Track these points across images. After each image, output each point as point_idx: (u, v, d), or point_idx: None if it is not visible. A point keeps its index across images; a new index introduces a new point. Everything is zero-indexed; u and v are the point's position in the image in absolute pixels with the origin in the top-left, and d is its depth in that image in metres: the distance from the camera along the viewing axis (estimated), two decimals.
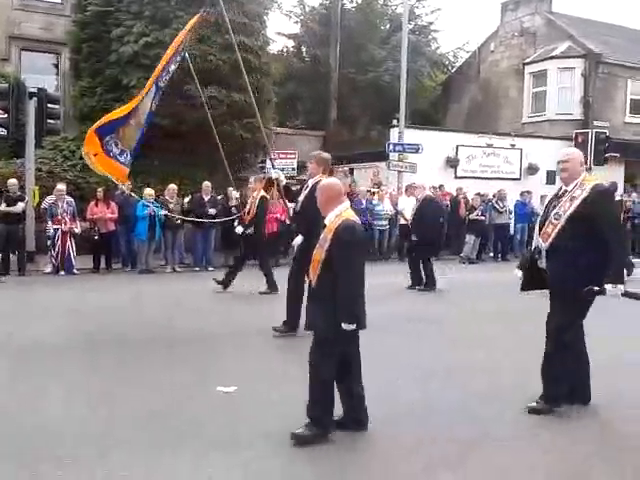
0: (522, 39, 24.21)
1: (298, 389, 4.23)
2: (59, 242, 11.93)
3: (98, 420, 4.41)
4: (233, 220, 11.51)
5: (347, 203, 4.25)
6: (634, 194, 18.98)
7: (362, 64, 25.20)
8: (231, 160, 11.86)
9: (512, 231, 16.76)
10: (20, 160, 14.06)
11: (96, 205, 12.69)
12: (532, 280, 4.81)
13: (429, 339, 7.01)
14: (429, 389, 5.14)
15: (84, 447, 3.93)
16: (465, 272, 13.48)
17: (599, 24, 25.16)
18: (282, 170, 10.31)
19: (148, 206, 12.10)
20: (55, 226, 11.99)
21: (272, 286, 9.51)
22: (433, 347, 6.62)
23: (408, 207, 15.05)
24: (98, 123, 8.62)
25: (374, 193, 16.36)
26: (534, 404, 4.65)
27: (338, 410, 4.18)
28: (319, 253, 4.11)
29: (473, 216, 15.72)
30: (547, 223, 4.64)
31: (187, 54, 9.28)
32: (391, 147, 17.89)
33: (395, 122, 18.91)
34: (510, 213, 16.67)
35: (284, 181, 7.33)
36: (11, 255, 11.96)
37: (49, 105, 13.00)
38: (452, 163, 19.77)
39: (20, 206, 11.83)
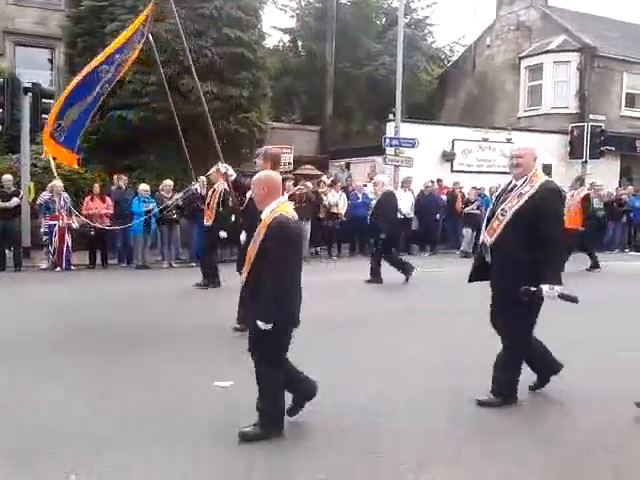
0: (518, 33, 24.21)
1: None
2: (56, 238, 11.91)
3: (97, 416, 4.41)
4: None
5: (284, 197, 4.11)
6: (630, 187, 19.01)
7: (358, 58, 25.20)
8: (226, 155, 11.78)
9: None
10: (15, 156, 14.02)
11: (92, 200, 12.68)
12: (479, 272, 4.80)
13: (425, 333, 7.02)
14: (425, 383, 5.14)
15: (82, 444, 3.93)
16: (462, 265, 13.40)
17: (595, 18, 25.19)
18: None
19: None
20: (52, 222, 11.96)
21: (214, 280, 9.99)
22: (428, 341, 6.64)
23: (405, 201, 15.17)
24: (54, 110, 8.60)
25: (366, 185, 16.32)
26: (485, 397, 4.61)
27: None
28: (252, 248, 3.98)
29: (469, 210, 15.77)
30: (494, 218, 4.58)
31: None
32: (387, 141, 17.91)
33: (391, 116, 18.93)
34: None
35: (233, 175, 7.02)
36: (7, 251, 11.96)
37: (44, 100, 12.91)
38: (448, 157, 19.78)
39: (15, 201, 11.81)
